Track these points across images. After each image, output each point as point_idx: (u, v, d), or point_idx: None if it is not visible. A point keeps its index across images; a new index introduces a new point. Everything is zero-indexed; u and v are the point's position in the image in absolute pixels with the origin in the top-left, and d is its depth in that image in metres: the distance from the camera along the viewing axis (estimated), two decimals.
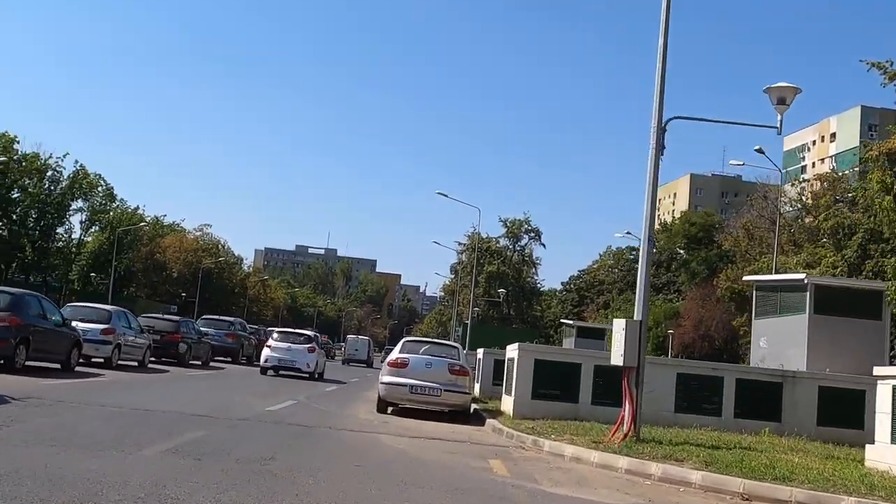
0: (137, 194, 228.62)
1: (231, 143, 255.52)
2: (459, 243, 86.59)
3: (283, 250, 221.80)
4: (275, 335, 26.66)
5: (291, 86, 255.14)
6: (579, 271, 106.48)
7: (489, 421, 14.76)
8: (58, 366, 16.82)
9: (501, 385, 19.11)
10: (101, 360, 19.59)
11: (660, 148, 12.17)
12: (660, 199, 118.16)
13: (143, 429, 9.19)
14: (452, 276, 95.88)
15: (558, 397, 15.40)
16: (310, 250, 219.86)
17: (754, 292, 22.05)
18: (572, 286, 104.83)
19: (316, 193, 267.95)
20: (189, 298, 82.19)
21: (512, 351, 16.70)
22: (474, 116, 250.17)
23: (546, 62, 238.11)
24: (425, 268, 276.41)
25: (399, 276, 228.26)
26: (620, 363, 11.75)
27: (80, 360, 18.24)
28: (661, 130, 12.13)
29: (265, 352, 25.72)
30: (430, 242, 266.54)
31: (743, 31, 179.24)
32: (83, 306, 22.08)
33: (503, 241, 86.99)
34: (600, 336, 40.64)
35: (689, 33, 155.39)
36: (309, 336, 27.64)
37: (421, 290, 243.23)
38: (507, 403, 16.75)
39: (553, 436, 12.10)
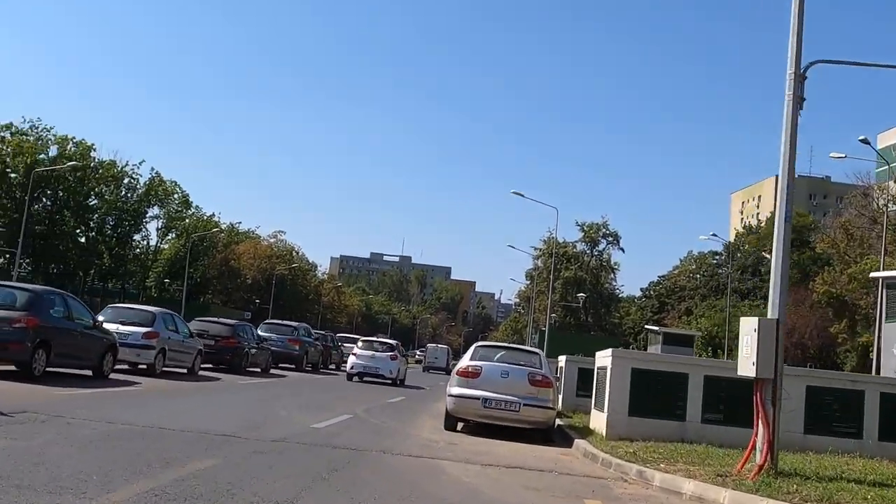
0: (212, 205, 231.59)
1: (307, 156, 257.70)
2: (535, 248, 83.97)
3: (358, 258, 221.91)
4: (359, 344, 29.59)
5: (365, 101, 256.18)
6: (659, 277, 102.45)
7: (577, 442, 12.33)
8: (89, 373, 15.08)
9: (587, 397, 16.64)
10: (144, 366, 17.83)
11: (798, 100, 9.58)
12: (742, 203, 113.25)
13: (134, 458, 7.06)
14: (528, 283, 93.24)
15: (660, 414, 12.85)
16: (384, 258, 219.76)
17: (883, 290, 19.00)
18: (651, 292, 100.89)
19: (390, 202, 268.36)
20: (263, 305, 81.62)
21: (604, 358, 14.15)
22: (543, 127, 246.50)
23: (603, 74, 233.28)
24: (500, 275, 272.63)
25: (474, 283, 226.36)
26: (751, 374, 9.15)
27: (119, 367, 16.54)
28: (801, 78, 9.56)
29: (350, 359, 28.32)
30: (504, 249, 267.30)
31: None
32: (124, 307, 20.29)
33: (580, 246, 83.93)
34: (688, 343, 37.63)
35: None
36: (392, 345, 29.93)
37: (496, 298, 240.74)
38: (597, 420, 14.23)
39: (663, 464, 9.62)
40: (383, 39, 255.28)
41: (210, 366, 22.52)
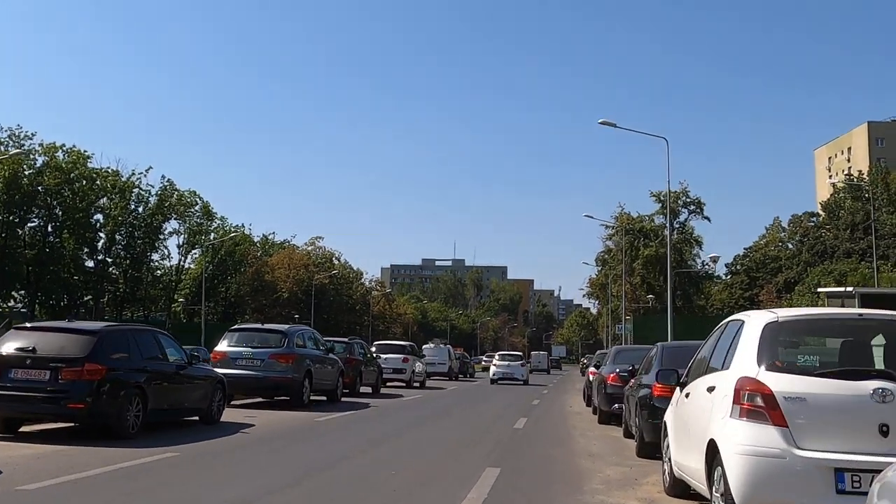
0: (248, 218, 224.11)
1: (351, 166, 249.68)
2: (607, 226, 73.16)
3: (409, 266, 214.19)
4: (497, 356, 41.44)
5: (414, 95, 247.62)
6: (745, 249, 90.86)
7: None
8: None
9: None
10: None
11: None
12: (829, 158, 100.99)
13: None
14: (600, 268, 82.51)
15: None
16: (437, 263, 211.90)
17: None
18: (738, 267, 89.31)
19: (439, 205, 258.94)
20: (303, 320, 72.38)
21: None
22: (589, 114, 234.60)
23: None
24: (557, 270, 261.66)
25: (531, 281, 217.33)
26: None
27: None
28: None
29: (492, 369, 38.65)
30: (560, 244, 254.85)
31: None
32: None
33: (658, 220, 72.82)
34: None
35: None
36: (519, 355, 42.48)
37: (555, 294, 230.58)
38: None
39: None
40: (433, 35, 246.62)
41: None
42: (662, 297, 68.78)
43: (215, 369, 14.78)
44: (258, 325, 20.08)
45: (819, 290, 30.16)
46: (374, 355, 26.73)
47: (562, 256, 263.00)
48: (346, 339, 25.88)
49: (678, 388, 7.63)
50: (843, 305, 23.23)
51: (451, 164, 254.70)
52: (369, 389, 23.56)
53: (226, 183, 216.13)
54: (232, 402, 15.90)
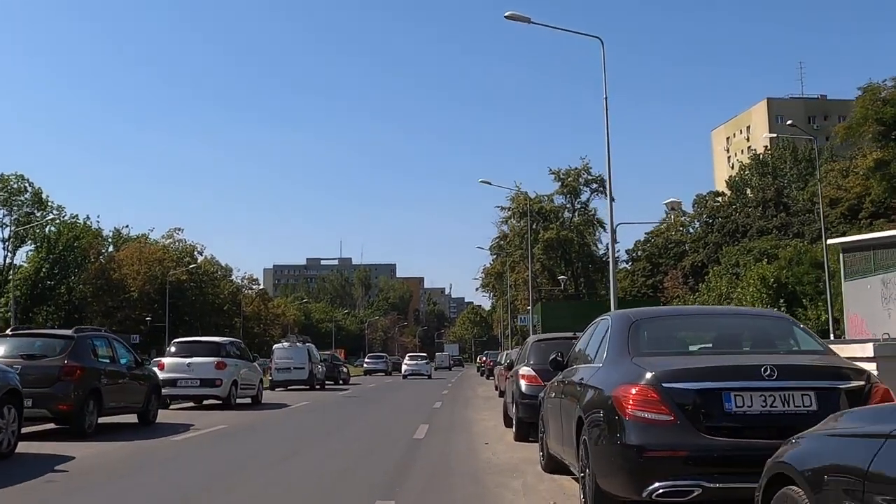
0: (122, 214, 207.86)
1: (232, 160, 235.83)
2: (502, 208, 66.07)
3: (293, 266, 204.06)
4: (407, 357, 50.85)
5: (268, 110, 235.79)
6: (646, 234, 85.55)
7: None
8: None
9: None
10: None
11: None
12: (727, 139, 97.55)
13: None
14: (495, 256, 75.51)
15: None
16: (322, 262, 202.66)
17: None
18: (639, 253, 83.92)
19: (324, 203, 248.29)
20: (158, 322, 62.18)
21: None
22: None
23: None
24: (447, 268, 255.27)
25: (421, 279, 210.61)
26: None
27: None
28: None
29: (403, 367, 48.07)
30: (450, 240, 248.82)
31: None
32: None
33: (558, 200, 66.20)
34: None
35: None
36: (425, 356, 53.21)
37: (446, 292, 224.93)
38: None
39: None
40: (317, 17, 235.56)
41: None
42: (563, 284, 62.21)
43: None
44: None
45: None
46: (149, 362, 17.68)
47: (452, 253, 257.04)
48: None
49: None
50: None
51: (336, 156, 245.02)
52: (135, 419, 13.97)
53: (92, 175, 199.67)
54: None
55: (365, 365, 54.55)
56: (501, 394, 19.47)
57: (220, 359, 18.17)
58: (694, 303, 51.32)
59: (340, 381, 34.52)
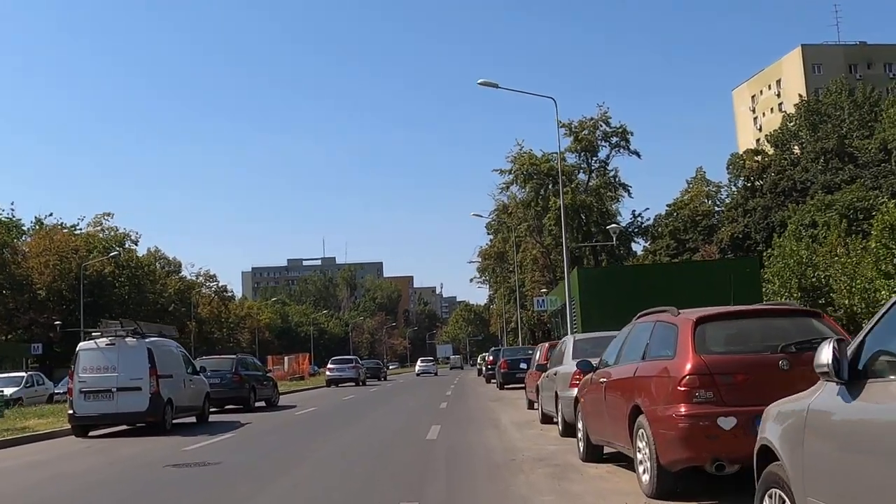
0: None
1: (213, 161, 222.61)
2: (501, 171, 53.13)
3: (273, 268, 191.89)
4: (420, 360, 67.23)
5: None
6: (668, 206, 72.76)
7: None
8: None
9: None
10: None
11: None
12: (752, 97, 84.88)
13: None
14: (492, 237, 62.75)
15: None
16: (304, 263, 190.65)
17: None
18: (661, 230, 70.87)
19: (305, 202, 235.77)
20: (71, 328, 49.11)
21: None
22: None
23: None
24: (438, 268, 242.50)
25: (411, 278, 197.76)
26: None
27: None
28: None
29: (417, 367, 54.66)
30: (439, 237, 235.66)
31: None
32: None
33: (571, 159, 53.15)
34: None
35: None
36: (432, 358, 77.81)
37: (437, 292, 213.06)
38: None
39: None
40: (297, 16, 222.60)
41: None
42: (581, 262, 49.36)
43: None
44: None
45: None
46: None
47: (442, 252, 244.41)
48: None
49: None
50: None
51: (316, 154, 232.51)
52: None
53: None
54: None
55: (328, 374, 39.37)
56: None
57: None
58: (764, 276, 38.27)
59: (270, 402, 21.62)
